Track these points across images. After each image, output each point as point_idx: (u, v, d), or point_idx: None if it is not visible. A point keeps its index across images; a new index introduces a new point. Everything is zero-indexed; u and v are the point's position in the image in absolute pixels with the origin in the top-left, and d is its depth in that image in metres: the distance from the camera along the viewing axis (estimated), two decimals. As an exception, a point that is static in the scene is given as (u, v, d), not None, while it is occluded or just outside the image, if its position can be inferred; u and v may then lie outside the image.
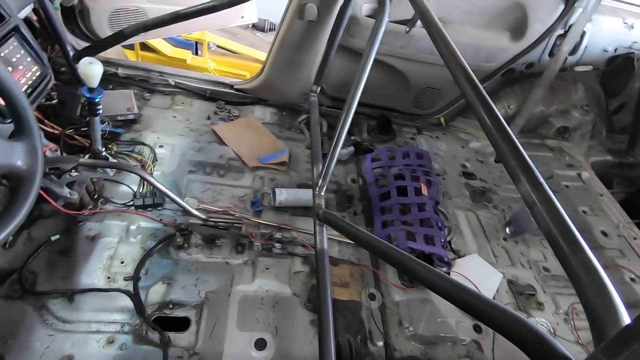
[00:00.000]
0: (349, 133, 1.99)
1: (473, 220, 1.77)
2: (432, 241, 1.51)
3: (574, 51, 1.94)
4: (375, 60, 1.82)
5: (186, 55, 2.49)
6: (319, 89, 1.89)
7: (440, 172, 1.97)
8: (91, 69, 0.95)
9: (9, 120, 0.87)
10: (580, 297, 0.57)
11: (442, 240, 1.54)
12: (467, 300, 0.74)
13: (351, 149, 1.90)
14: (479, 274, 1.53)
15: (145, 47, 2.42)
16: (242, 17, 2.43)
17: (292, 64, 1.84)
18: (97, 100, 1.05)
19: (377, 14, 1.42)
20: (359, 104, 2.07)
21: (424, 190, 1.65)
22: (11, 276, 1.14)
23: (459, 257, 1.59)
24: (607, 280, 0.54)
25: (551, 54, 1.95)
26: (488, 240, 1.69)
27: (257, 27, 3.93)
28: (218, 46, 2.92)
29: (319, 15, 1.61)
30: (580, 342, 1.40)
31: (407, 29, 1.61)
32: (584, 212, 1.93)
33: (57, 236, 1.25)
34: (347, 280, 1.40)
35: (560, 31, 1.87)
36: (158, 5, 1.90)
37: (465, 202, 1.85)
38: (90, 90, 1.02)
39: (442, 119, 2.25)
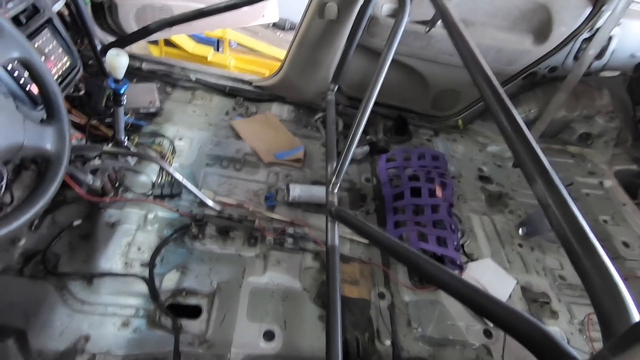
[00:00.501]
0: (365, 132, 2.00)
1: (488, 224, 1.74)
2: (444, 243, 1.50)
3: (600, 55, 1.89)
4: (394, 60, 1.83)
5: (208, 52, 2.54)
6: (337, 87, 1.90)
7: (456, 175, 1.95)
8: (117, 60, 0.99)
9: (41, 107, 0.91)
10: (591, 298, 0.56)
11: (455, 242, 1.52)
12: (477, 301, 0.74)
13: (366, 148, 1.90)
14: (491, 278, 1.50)
15: (168, 43, 2.49)
16: (263, 16, 2.46)
17: (310, 63, 1.85)
18: (122, 91, 1.09)
19: (397, 13, 1.41)
20: (376, 103, 2.07)
21: (438, 192, 1.63)
22: (35, 257, 1.20)
23: (472, 260, 1.57)
24: (619, 280, 0.53)
25: (576, 58, 1.90)
26: (502, 245, 1.67)
27: (277, 26, 3.98)
28: (239, 44, 2.97)
29: (339, 15, 1.62)
30: (594, 352, 1.36)
31: (427, 29, 1.60)
32: (605, 221, 1.87)
33: (79, 221, 1.30)
34: (357, 278, 1.41)
35: (586, 34, 1.82)
36: (183, 2, 1.95)
37: (480, 205, 1.82)
38: (116, 81, 1.06)
39: (460, 122, 2.23)
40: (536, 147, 0.75)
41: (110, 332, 1.11)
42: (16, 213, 0.61)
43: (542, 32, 1.80)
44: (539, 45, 1.84)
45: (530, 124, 2.11)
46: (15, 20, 0.89)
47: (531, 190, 0.71)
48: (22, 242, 1.22)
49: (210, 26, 2.31)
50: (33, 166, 1.17)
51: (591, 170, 2.14)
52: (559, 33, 1.80)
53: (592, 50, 1.79)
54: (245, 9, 1.97)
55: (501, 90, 0.89)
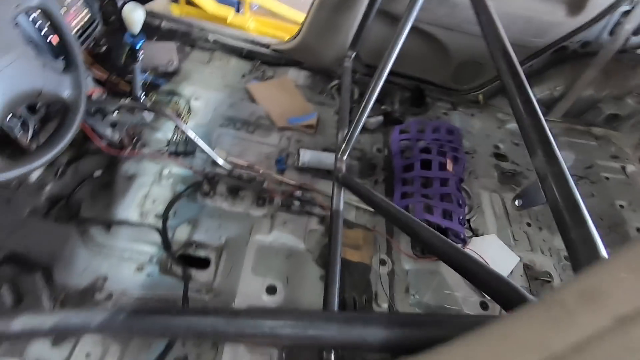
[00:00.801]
0: (380, 102, 1.98)
1: (497, 201, 1.73)
2: (449, 216, 1.51)
3: (638, 31, 1.76)
4: (414, 28, 1.76)
5: (228, 12, 2.51)
6: (354, 54, 1.87)
7: (470, 151, 1.92)
8: (133, 15, 1.01)
9: (61, 58, 0.96)
10: (574, 268, 0.57)
11: (461, 217, 1.53)
12: (476, 273, 0.75)
13: (380, 118, 1.88)
14: (494, 254, 1.52)
15: (189, 2, 2.47)
16: (286, -24, 2.40)
17: (329, 27, 1.82)
18: (138, 46, 1.12)
19: (420, -24, 1.35)
20: (394, 73, 2.04)
21: (449, 166, 1.62)
22: (60, 202, 1.29)
23: (477, 236, 1.58)
24: (604, 251, 0.54)
25: (611, 33, 1.78)
26: (510, 223, 1.66)
27: (301, -12, 3.85)
28: (260, 6, 2.91)
29: (361, -24, 1.56)
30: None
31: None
32: (621, 206, 1.82)
33: (100, 172, 1.38)
34: (360, 243, 1.45)
35: (626, 7, 1.70)
36: (204, -41, 1.92)
37: (492, 182, 1.80)
38: (132, 36, 1.08)
39: (481, 97, 2.16)
40: (542, 119, 0.74)
41: (126, 275, 1.21)
42: (37, 154, 0.67)
43: (576, 2, 1.68)
44: (573, 17, 1.73)
45: (554, 101, 2.03)
46: (37, -30, 0.91)
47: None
48: (48, 187, 1.31)
49: (231, -15, 2.27)
50: (57, 118, 1.24)
51: (614, 154, 2.06)
52: (596, 4, 1.68)
53: (630, 24, 1.67)
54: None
55: (514, 57, 0.87)
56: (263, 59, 2.00)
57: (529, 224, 1.67)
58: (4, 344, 1.01)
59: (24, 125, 1.01)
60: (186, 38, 1.94)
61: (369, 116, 1.87)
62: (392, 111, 1.96)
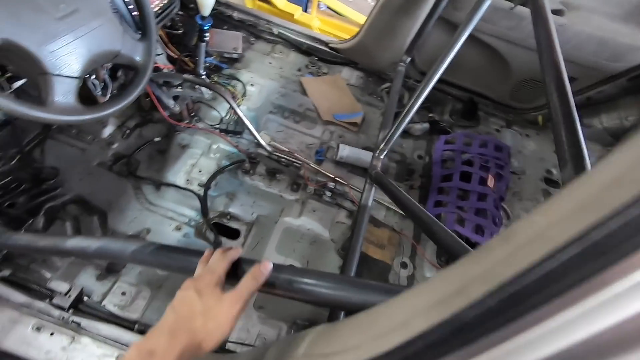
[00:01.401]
0: (429, 110, 1.96)
1: (539, 227, 1.64)
2: (481, 231, 1.46)
3: None
4: (475, 38, 1.74)
5: (296, 10, 2.64)
6: (409, 60, 1.88)
7: (518, 171, 1.83)
8: (205, -1, 1.13)
9: (140, 32, 1.10)
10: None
11: (494, 234, 1.48)
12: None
13: (426, 125, 1.87)
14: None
15: (262, -3, 2.64)
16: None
17: (388, 30, 1.85)
18: (205, 27, 1.24)
19: (484, -15, 1.34)
20: (448, 83, 2.02)
21: (490, 182, 1.57)
22: (122, 159, 1.46)
23: (509, 257, 1.51)
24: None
25: (703, 63, 1.61)
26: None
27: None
28: (328, 7, 3.02)
29: (425, -19, 1.58)
30: None
31: (512, 6, 1.49)
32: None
33: (159, 138, 1.54)
34: (384, 243, 1.46)
35: None
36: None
37: (535, 207, 1.71)
38: (202, 18, 1.21)
39: (540, 118, 2.05)
40: (585, 156, 0.71)
41: (166, 231, 1.34)
42: (108, 104, 0.79)
43: (662, 26, 1.55)
44: (656, 42, 1.58)
45: (624, 131, 1.87)
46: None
47: None
48: (115, 145, 1.49)
49: (301, -16, 2.39)
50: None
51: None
52: (685, 30, 1.53)
53: None
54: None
55: (566, 80, 0.84)
56: (320, 56, 2.08)
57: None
58: (59, 271, 1.18)
59: (104, 89, 1.18)
60: (253, 29, 2.08)
61: (415, 122, 1.88)
62: (440, 120, 1.94)
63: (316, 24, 2.67)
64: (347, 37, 2.07)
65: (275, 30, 2.08)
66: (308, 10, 2.80)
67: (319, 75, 2.01)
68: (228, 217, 1.42)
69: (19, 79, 0.82)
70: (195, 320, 0.53)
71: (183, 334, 0.51)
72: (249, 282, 0.60)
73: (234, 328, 0.57)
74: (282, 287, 0.60)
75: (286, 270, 0.62)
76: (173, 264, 0.70)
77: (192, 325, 0.53)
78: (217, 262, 0.62)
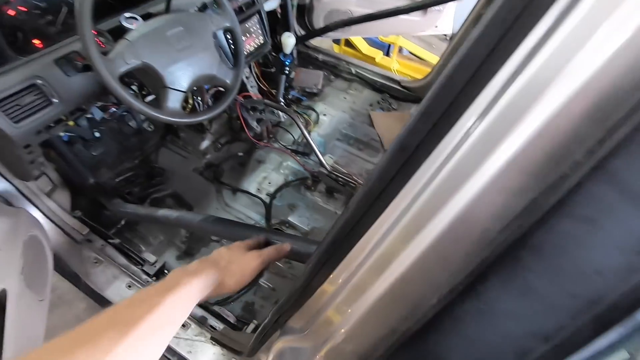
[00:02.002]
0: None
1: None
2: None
3: None
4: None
5: (377, 54, 2.88)
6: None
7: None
8: (287, 40, 1.40)
9: (232, 63, 1.42)
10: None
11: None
12: None
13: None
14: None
15: (348, 44, 2.96)
16: (436, 26, 2.60)
17: (458, 70, 1.92)
18: (287, 62, 1.51)
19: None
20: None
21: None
22: (212, 167, 1.78)
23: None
24: None
25: None
26: None
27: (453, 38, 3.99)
28: (410, 52, 3.21)
29: (494, 25, 1.65)
30: None
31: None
32: None
33: (242, 153, 1.84)
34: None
35: None
36: (364, 10, 2.34)
37: None
38: (284, 55, 1.48)
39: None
40: None
41: (234, 229, 1.58)
42: (201, 113, 1.06)
43: None
44: None
45: None
46: (240, 8, 1.41)
47: None
48: (208, 156, 1.83)
49: (382, 31, 2.63)
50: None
51: None
52: None
53: None
54: (418, 18, 2.20)
55: None
56: (392, 93, 2.24)
57: None
58: (151, 247, 1.48)
59: (202, 103, 1.51)
60: (334, 69, 2.36)
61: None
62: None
63: (395, 67, 2.86)
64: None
65: (353, 70, 2.32)
66: (390, 54, 3.03)
67: (389, 111, 2.16)
68: (287, 225, 1.60)
69: (149, 94, 1.15)
70: (220, 260, 0.69)
71: (209, 264, 0.68)
72: (272, 250, 0.76)
73: (253, 277, 0.71)
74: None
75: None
76: (226, 232, 0.88)
77: (218, 263, 0.69)
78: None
